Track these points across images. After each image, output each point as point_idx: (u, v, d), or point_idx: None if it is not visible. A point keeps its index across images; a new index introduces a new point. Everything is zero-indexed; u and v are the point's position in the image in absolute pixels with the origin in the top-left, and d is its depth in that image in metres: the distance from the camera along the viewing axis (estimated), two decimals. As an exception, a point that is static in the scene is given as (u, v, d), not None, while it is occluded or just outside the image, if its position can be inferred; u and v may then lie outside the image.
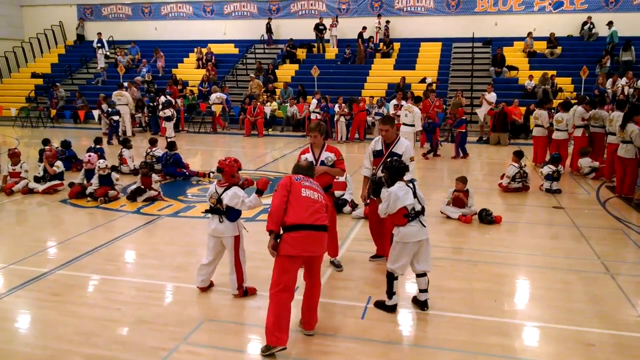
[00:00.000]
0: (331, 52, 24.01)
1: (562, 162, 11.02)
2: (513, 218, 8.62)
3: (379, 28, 23.34)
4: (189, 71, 23.82)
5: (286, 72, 23.02)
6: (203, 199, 9.57)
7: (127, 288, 5.91)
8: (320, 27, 23.74)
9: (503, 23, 22.79)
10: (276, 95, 21.02)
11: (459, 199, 8.52)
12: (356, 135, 17.36)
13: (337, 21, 23.73)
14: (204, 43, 24.79)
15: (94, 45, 24.68)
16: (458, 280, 6.09)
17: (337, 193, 8.75)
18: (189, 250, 7.07)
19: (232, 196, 5.46)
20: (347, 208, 8.72)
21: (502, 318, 5.17)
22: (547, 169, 10.33)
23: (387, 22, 23.39)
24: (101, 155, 11.11)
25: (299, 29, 24.37)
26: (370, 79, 21.88)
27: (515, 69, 20.99)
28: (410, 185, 5.12)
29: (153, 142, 12.00)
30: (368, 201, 6.43)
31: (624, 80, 18.37)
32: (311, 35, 24.02)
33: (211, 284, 5.85)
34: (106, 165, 9.62)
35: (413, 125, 13.34)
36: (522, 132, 17.58)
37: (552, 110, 13.72)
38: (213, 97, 19.23)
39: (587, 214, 8.90)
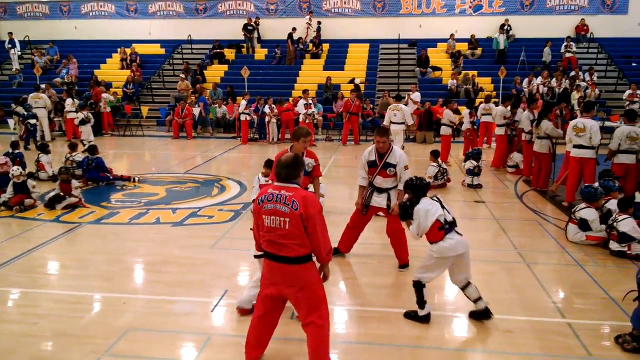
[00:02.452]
0: (261, 52, 23.89)
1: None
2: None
3: (310, 25, 23.44)
4: (113, 72, 22.96)
5: (215, 72, 22.68)
6: (127, 205, 9.27)
7: (45, 301, 5.60)
8: (249, 27, 23.58)
9: (427, 25, 23.55)
10: (205, 97, 20.66)
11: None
12: (287, 136, 17.39)
13: (258, 22, 23.62)
14: (128, 43, 23.99)
15: (6, 46, 23.28)
16: (387, 276, 6.22)
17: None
18: (113, 258, 6.79)
19: None
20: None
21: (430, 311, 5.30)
22: (469, 165, 10.77)
23: (319, 23, 23.55)
24: (21, 162, 10.47)
25: (228, 29, 24.04)
26: (301, 79, 21.95)
27: (439, 69, 21.74)
28: (436, 199, 4.99)
29: (73, 147, 11.47)
30: (366, 211, 6.39)
31: (539, 80, 19.49)
32: (240, 35, 23.77)
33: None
34: (21, 172, 9.06)
35: (403, 124, 13.70)
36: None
37: (474, 110, 14.30)
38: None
39: (506, 208, 9.37)
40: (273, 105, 17.04)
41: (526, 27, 22.77)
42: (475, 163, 10.70)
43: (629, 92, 18.03)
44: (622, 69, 20.74)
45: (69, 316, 5.22)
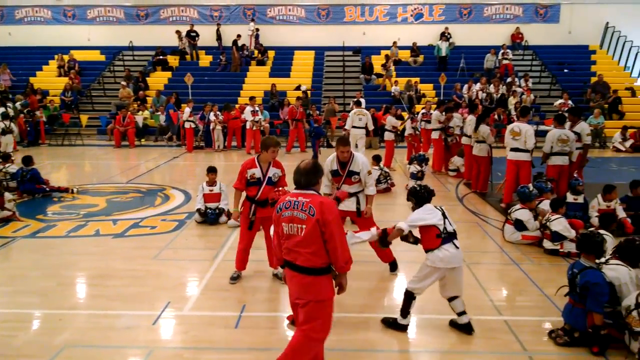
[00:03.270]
0: (205, 59, 23.60)
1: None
2: (383, 217, 9.02)
3: (253, 31, 23.39)
4: (50, 79, 22.09)
5: (158, 79, 22.22)
6: (65, 217, 8.93)
7: (-26, 320, 5.32)
8: (192, 33, 23.27)
9: (370, 33, 23.95)
10: (147, 104, 20.20)
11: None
12: (234, 143, 17.25)
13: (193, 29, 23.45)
14: (65, 49, 23.14)
15: None
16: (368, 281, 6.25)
17: (212, 205, 8.63)
18: (48, 273, 6.51)
19: None
20: (224, 217, 8.61)
21: (374, 314, 5.37)
22: (413, 169, 11.02)
23: (257, 29, 23.51)
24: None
25: (171, 35, 23.60)
26: (246, 86, 21.83)
27: (382, 76, 22.13)
28: (439, 208, 4.96)
29: (6, 158, 10.94)
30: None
31: (478, 86, 20.19)
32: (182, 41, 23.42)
33: None
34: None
35: (364, 128, 13.89)
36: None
37: (416, 115, 14.61)
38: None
39: (448, 209, 9.56)
40: (218, 112, 16.85)
41: (465, 35, 23.56)
42: (418, 167, 10.95)
43: (560, 101, 18.92)
44: (555, 74, 21.78)
45: (1, 335, 4.97)
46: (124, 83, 20.68)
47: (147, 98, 20.60)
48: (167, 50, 23.37)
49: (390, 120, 13.89)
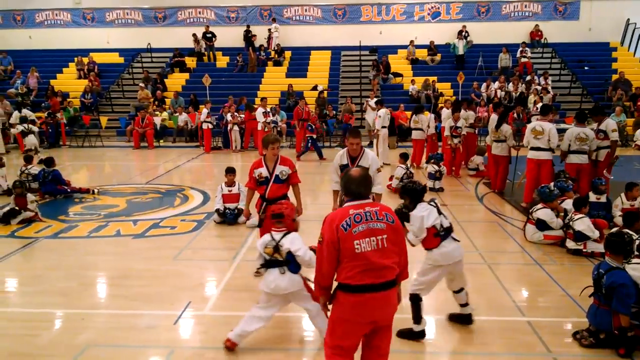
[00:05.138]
0: (222, 60, 23.73)
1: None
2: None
3: (272, 31, 23.44)
4: (70, 82, 22.41)
5: (176, 81, 22.40)
6: (86, 218, 9.03)
7: (0, 320, 5.39)
8: (208, 35, 23.41)
9: (387, 32, 23.84)
10: (166, 105, 20.38)
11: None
12: (251, 144, 17.30)
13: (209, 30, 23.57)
14: (85, 52, 23.46)
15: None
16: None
17: (231, 206, 8.66)
18: (70, 273, 6.59)
19: (293, 239, 4.51)
20: (242, 218, 8.61)
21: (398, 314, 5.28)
22: (431, 168, 10.93)
23: (269, 30, 23.56)
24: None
25: (188, 37, 23.74)
26: (263, 87, 21.90)
27: (400, 75, 22.04)
28: (433, 203, 4.81)
29: (28, 160, 11.11)
30: None
31: (496, 84, 19.98)
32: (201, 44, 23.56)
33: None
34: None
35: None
36: (409, 135, 18.38)
37: (437, 116, 14.48)
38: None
39: (467, 209, 9.53)
40: (235, 113, 16.91)
41: (483, 33, 23.32)
42: (436, 167, 10.86)
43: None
44: (575, 72, 21.46)
45: (25, 334, 5.04)
46: (142, 85, 20.87)
47: (165, 99, 20.76)
48: (185, 52, 23.54)
49: (422, 119, 13.69)
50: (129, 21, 24.76)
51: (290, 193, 6.17)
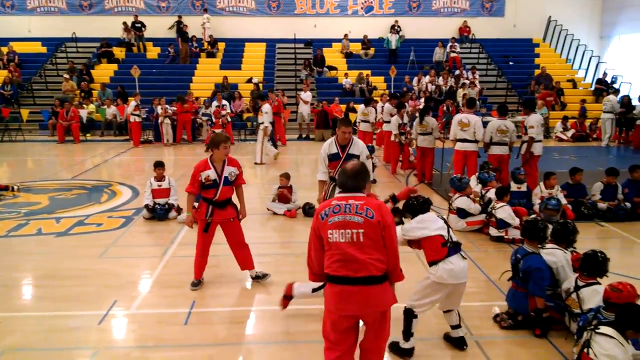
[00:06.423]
0: (153, 51, 23.01)
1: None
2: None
3: (204, 22, 22.97)
4: (-13, 72, 21.03)
5: (103, 72, 21.53)
6: (4, 216, 8.54)
7: None
8: (137, 24, 22.63)
9: (322, 25, 23.91)
10: (93, 98, 19.54)
11: (284, 195, 8.76)
12: (184, 137, 16.92)
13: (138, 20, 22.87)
14: (4, 41, 22.04)
15: None
16: (283, 274, 6.24)
17: (161, 201, 8.44)
18: (-14, 274, 6.23)
19: None
20: (173, 213, 8.44)
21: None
22: (364, 161, 11.09)
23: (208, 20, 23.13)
24: None
25: (116, 26, 22.85)
26: (196, 79, 21.45)
27: (335, 68, 22.20)
28: (440, 216, 4.53)
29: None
30: None
31: (427, 78, 20.53)
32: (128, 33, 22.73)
33: None
34: None
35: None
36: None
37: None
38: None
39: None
40: (167, 106, 16.45)
41: (414, 28, 23.87)
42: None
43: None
44: (500, 67, 22.40)
45: None
46: (67, 76, 19.92)
47: (92, 91, 19.91)
48: (113, 42, 22.65)
49: (371, 111, 13.94)
50: (52, 9, 23.48)
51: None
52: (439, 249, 4.27)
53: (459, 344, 4.60)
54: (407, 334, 4.43)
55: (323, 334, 3.58)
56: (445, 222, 4.47)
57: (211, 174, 5.53)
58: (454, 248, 4.32)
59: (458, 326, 4.62)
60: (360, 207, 3.37)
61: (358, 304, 3.37)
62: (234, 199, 5.83)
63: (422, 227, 4.37)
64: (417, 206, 4.51)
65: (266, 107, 13.34)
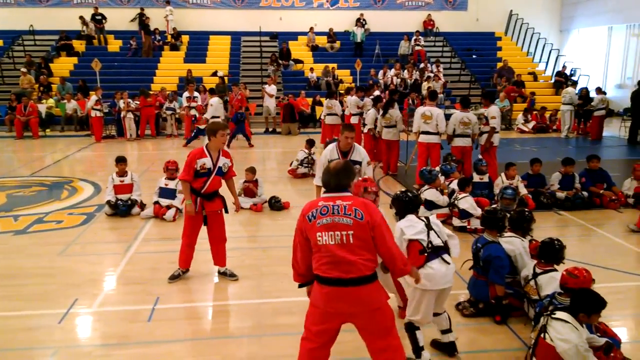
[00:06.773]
0: (114, 44, 22.49)
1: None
2: (301, 202, 9.08)
3: (167, 14, 22.58)
4: (-62, 66, 20.21)
5: (63, 65, 20.94)
6: (-40, 215, 8.26)
7: None
8: (98, 17, 22.07)
9: (287, 18, 23.79)
10: (52, 92, 19.00)
11: (249, 189, 8.73)
12: (147, 132, 16.63)
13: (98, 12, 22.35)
14: (-44, 34, 21.24)
15: None
16: (249, 268, 6.23)
17: (124, 197, 8.29)
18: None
19: None
20: (136, 209, 8.30)
21: (292, 297, 5.22)
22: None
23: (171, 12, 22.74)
24: None
25: (76, 19, 22.22)
26: (160, 72, 21.08)
27: (301, 62, 22.14)
28: (423, 219, 4.28)
29: None
30: None
31: (392, 72, 20.68)
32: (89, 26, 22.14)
33: None
34: None
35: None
36: (310, 122, 18.64)
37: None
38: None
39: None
40: (129, 100, 16.13)
41: (380, 21, 23.97)
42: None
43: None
44: (464, 60, 22.73)
45: None
46: (24, 70, 19.29)
47: (51, 85, 19.35)
48: (72, 35, 22.03)
49: (335, 104, 13.97)
50: (8, 0, 22.66)
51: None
52: (417, 257, 4.08)
53: (449, 349, 4.36)
54: (417, 349, 4.17)
55: (305, 324, 3.53)
56: (428, 224, 4.24)
57: (207, 162, 5.48)
58: (434, 254, 4.12)
59: (448, 330, 4.36)
60: (348, 208, 3.31)
61: (349, 303, 3.34)
62: (222, 192, 5.79)
63: (401, 237, 4.18)
64: (406, 202, 4.35)
65: (214, 100, 13.63)
